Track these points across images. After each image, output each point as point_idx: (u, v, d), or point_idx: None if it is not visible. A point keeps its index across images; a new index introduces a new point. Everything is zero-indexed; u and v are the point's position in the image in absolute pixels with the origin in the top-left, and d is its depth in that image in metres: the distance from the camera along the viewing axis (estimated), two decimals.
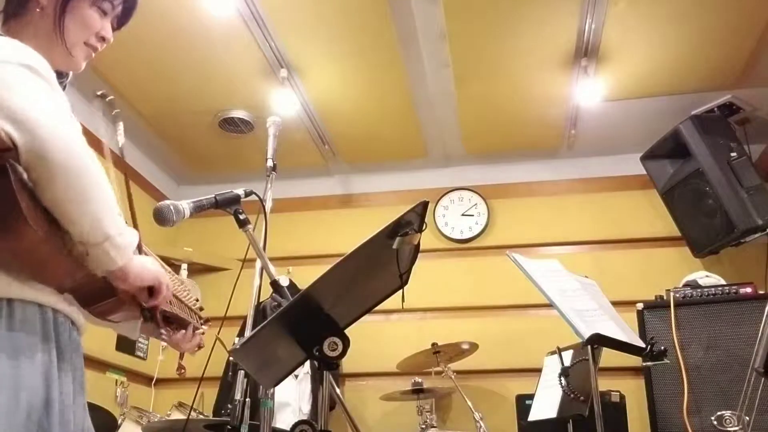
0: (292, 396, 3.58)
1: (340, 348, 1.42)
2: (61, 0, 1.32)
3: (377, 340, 3.90)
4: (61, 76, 1.38)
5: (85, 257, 1.16)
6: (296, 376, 3.60)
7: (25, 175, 1.08)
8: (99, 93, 1.50)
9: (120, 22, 1.45)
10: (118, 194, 1.35)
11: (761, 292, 3.23)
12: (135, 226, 1.35)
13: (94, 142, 1.41)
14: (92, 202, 1.12)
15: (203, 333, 1.61)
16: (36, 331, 1.16)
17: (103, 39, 1.39)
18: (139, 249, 1.33)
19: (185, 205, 1.67)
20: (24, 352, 1.13)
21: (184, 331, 1.54)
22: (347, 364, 3.92)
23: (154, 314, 1.32)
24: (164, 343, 1.53)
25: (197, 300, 1.64)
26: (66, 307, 1.24)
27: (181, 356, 1.62)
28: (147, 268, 1.26)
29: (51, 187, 1.09)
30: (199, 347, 1.64)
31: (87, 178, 1.12)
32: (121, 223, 1.19)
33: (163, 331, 1.46)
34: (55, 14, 1.31)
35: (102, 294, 1.24)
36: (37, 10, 1.31)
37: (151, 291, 1.28)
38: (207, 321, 1.66)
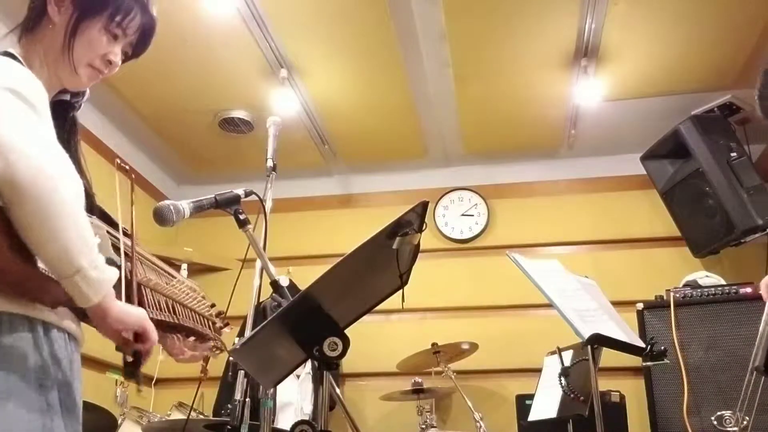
0: (294, 395, 3.57)
1: (340, 348, 1.42)
2: (73, 20, 1.32)
3: (377, 340, 3.89)
4: (76, 95, 1.40)
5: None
6: (298, 376, 3.60)
7: None
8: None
9: (135, 50, 1.44)
10: (120, 210, 1.34)
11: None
12: (133, 232, 1.34)
13: (104, 151, 1.41)
14: (61, 232, 1.08)
15: (217, 338, 1.60)
16: (27, 344, 1.15)
17: (109, 62, 1.38)
18: (129, 283, 1.28)
19: (185, 205, 1.67)
20: (14, 363, 1.12)
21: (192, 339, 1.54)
22: (347, 364, 3.92)
23: (137, 366, 1.22)
24: None
25: (213, 305, 1.63)
26: (58, 319, 1.22)
27: (206, 360, 1.62)
28: (131, 311, 1.22)
29: (20, 212, 1.07)
30: (220, 350, 1.63)
31: (56, 206, 1.08)
32: (97, 258, 1.14)
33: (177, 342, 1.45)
34: (65, 33, 1.32)
35: None
36: (50, 27, 1.32)
37: (136, 337, 1.22)
38: (226, 324, 1.65)
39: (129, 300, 1.26)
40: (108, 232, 1.31)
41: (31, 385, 1.14)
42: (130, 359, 1.22)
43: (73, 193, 1.13)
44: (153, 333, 1.24)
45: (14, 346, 1.13)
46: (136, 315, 1.22)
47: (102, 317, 1.18)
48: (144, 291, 1.35)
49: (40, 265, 1.14)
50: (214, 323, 1.61)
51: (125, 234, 1.34)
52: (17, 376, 1.12)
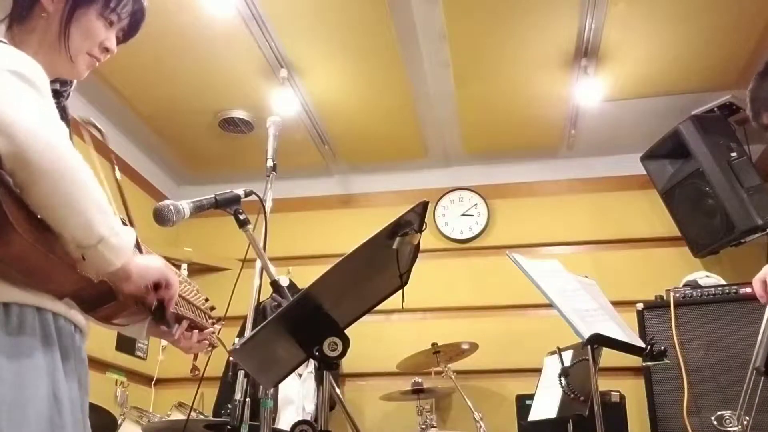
0: (296, 394, 3.58)
1: (340, 348, 1.42)
2: (68, 8, 1.31)
3: (377, 340, 3.89)
4: (64, 84, 1.39)
5: (82, 261, 1.15)
6: (300, 375, 3.60)
7: (10, 181, 1.07)
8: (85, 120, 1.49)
9: (126, 35, 1.45)
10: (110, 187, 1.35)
11: None
12: (129, 218, 1.35)
13: (96, 145, 1.41)
14: (80, 204, 1.10)
15: (214, 332, 1.61)
16: (35, 334, 1.16)
17: (106, 50, 1.39)
18: (139, 249, 1.31)
19: (185, 205, 1.67)
20: (24, 353, 1.13)
21: (194, 330, 1.54)
22: (347, 364, 3.92)
23: (164, 312, 1.29)
24: (164, 343, 1.53)
25: (207, 300, 1.64)
26: (66, 310, 1.23)
27: (195, 357, 1.62)
28: (150, 265, 1.26)
29: (35, 190, 1.07)
30: (213, 347, 1.64)
31: (72, 179, 1.10)
32: (115, 223, 1.17)
33: (175, 328, 1.46)
34: (61, 22, 1.31)
35: (103, 298, 1.23)
36: (43, 15, 1.31)
37: (158, 287, 1.26)
38: (219, 320, 1.66)
39: None
40: None
41: (40, 356, 1.16)
42: (154, 307, 1.28)
43: (84, 165, 1.14)
44: (174, 280, 1.29)
45: (23, 333, 1.14)
46: (155, 267, 1.27)
47: (126, 278, 1.21)
48: None
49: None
50: (209, 317, 1.61)
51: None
52: (27, 350, 1.14)
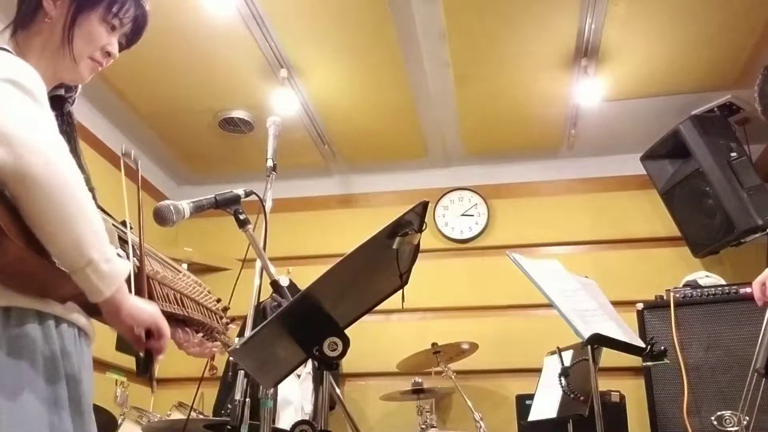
0: (295, 395, 3.58)
1: (340, 348, 1.42)
2: (71, 12, 1.31)
3: (377, 340, 3.89)
4: (69, 90, 1.39)
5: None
6: (298, 376, 3.60)
7: (5, 190, 1.06)
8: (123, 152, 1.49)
9: (129, 40, 1.45)
10: (127, 205, 1.34)
11: None
12: (140, 225, 1.34)
13: (104, 151, 1.41)
14: (74, 222, 1.08)
15: (225, 333, 1.61)
16: (36, 338, 1.14)
17: (108, 54, 1.38)
18: (138, 275, 1.28)
19: (185, 205, 1.67)
20: (25, 357, 1.12)
21: (202, 334, 1.54)
22: (347, 364, 3.91)
23: (150, 365, 1.22)
24: None
25: (218, 300, 1.63)
26: (67, 312, 1.22)
27: (212, 357, 1.62)
28: (142, 307, 1.21)
29: (30, 203, 1.05)
30: (226, 346, 1.63)
31: (65, 194, 1.07)
32: (108, 249, 1.13)
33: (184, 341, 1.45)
34: (64, 27, 1.31)
35: None
36: (46, 20, 1.31)
37: (149, 335, 1.22)
38: (232, 320, 1.65)
39: (139, 292, 1.25)
40: (114, 225, 1.31)
41: (41, 378, 1.13)
42: (142, 356, 1.22)
43: (82, 185, 1.12)
44: (166, 330, 1.24)
45: (24, 340, 1.12)
46: (149, 311, 1.22)
47: (115, 312, 1.17)
48: (152, 283, 1.35)
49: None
50: (221, 317, 1.61)
51: (129, 228, 1.35)
52: (27, 370, 1.12)
